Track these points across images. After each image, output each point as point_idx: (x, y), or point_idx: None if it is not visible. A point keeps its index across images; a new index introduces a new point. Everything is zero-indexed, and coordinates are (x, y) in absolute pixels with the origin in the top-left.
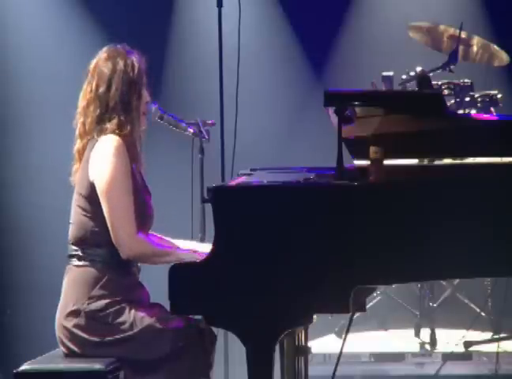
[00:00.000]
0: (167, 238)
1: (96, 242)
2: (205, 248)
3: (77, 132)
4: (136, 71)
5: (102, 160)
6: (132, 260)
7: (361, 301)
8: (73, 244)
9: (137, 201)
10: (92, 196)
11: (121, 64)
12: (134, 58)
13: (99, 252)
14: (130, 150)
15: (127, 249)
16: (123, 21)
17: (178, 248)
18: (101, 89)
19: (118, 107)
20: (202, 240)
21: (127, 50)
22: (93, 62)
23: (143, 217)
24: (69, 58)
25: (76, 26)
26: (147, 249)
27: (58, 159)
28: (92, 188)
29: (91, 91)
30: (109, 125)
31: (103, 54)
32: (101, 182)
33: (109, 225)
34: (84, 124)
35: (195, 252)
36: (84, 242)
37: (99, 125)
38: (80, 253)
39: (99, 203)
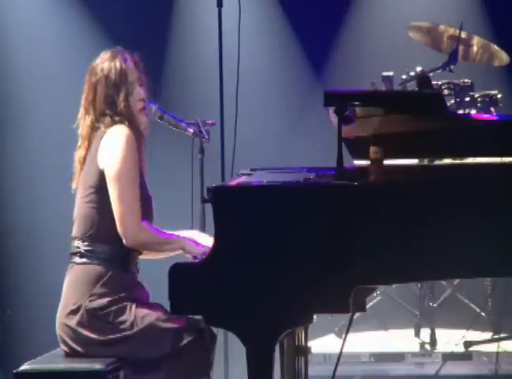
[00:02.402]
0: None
1: (100, 237)
2: (206, 239)
3: (78, 142)
4: (119, 72)
5: (113, 148)
6: (136, 248)
7: (361, 301)
8: (76, 239)
9: (143, 195)
10: (100, 185)
11: (105, 69)
12: (118, 60)
13: (104, 248)
14: (137, 143)
15: (131, 237)
16: (123, 22)
17: (180, 236)
18: (90, 97)
19: (107, 110)
20: None
21: (116, 52)
22: (88, 72)
23: (147, 210)
24: (68, 58)
25: (75, 27)
26: (151, 238)
27: (58, 158)
28: (101, 176)
29: (83, 100)
30: (103, 126)
31: (94, 61)
32: (111, 170)
33: (115, 213)
34: (82, 132)
35: (197, 244)
36: (89, 236)
37: (94, 131)
38: (82, 250)
39: (107, 193)
